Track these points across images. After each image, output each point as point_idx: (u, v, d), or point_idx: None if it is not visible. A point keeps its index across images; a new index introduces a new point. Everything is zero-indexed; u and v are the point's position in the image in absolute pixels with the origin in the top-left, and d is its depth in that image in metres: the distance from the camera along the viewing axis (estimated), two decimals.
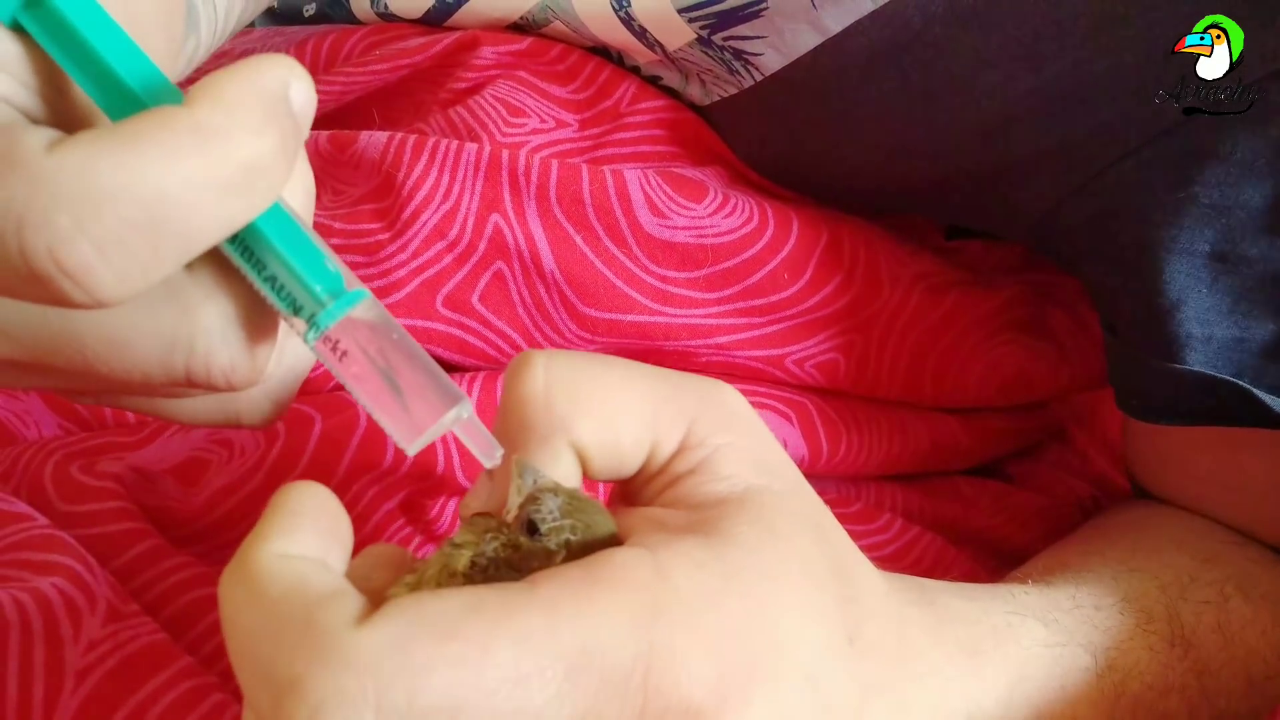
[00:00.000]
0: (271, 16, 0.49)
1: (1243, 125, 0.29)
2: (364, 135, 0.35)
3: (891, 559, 0.37)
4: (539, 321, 0.35)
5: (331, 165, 0.37)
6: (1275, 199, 0.29)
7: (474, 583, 0.20)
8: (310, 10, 0.46)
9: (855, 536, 0.37)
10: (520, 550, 0.20)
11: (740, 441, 0.22)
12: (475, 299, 0.34)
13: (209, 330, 0.18)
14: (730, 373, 0.37)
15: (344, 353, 0.19)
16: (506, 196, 0.34)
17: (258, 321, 0.19)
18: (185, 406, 0.21)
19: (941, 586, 0.28)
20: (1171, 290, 0.31)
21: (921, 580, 0.27)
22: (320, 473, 0.32)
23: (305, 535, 0.19)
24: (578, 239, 0.34)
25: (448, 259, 0.34)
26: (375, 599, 0.19)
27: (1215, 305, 0.31)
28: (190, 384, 0.18)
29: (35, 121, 0.18)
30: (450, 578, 0.20)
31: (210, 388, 0.19)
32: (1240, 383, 0.30)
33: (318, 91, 0.42)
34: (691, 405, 0.22)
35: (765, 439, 0.23)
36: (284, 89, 0.17)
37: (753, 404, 0.36)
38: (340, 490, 0.32)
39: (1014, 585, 0.30)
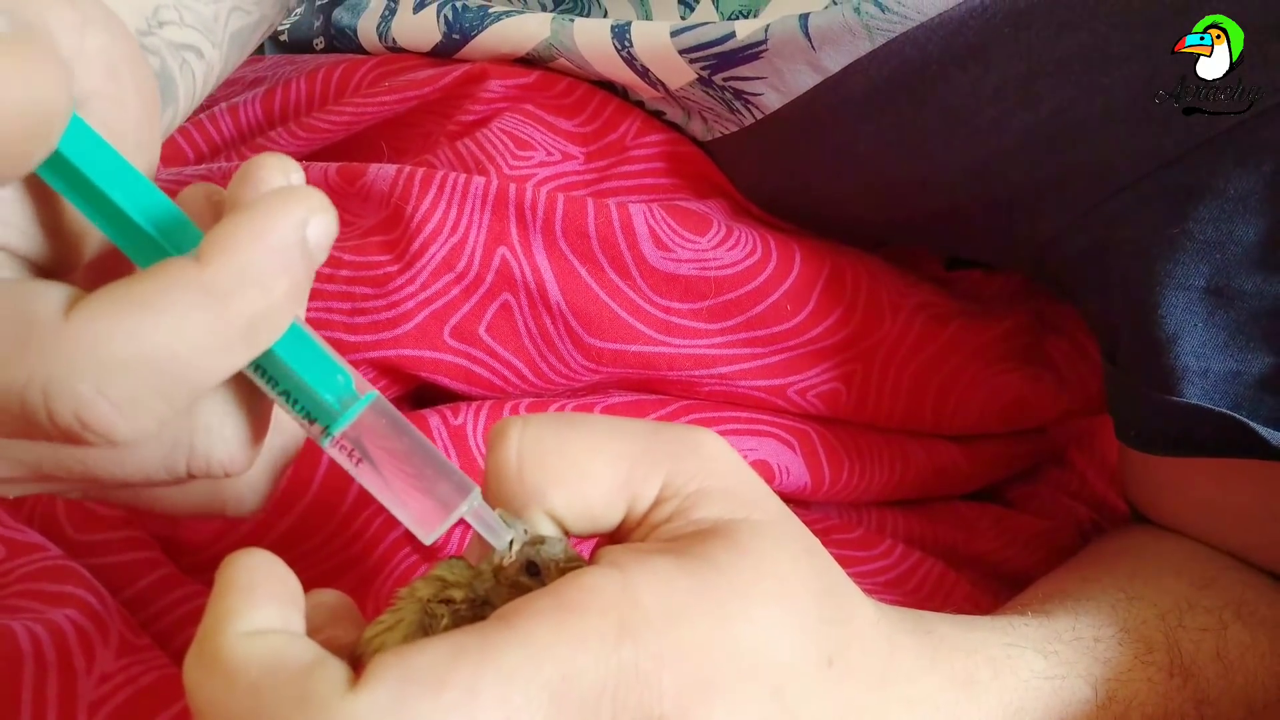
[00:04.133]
0: (281, 47, 0.50)
1: (1237, 161, 0.29)
2: (373, 168, 0.36)
3: (893, 585, 0.38)
4: (544, 352, 0.35)
5: (341, 197, 0.37)
6: (1269, 234, 0.29)
7: (462, 618, 0.21)
8: (320, 44, 0.47)
9: (857, 563, 0.38)
10: (519, 589, 0.21)
11: (717, 485, 0.23)
12: (482, 330, 0.35)
13: (207, 428, 0.19)
14: (733, 402, 0.38)
15: (359, 459, 0.20)
16: (513, 230, 0.34)
17: (251, 412, 0.20)
18: (173, 499, 0.21)
19: (939, 617, 0.28)
20: (1168, 324, 0.31)
21: (919, 611, 0.28)
22: (328, 501, 0.32)
23: (265, 607, 0.19)
24: (583, 271, 0.35)
25: (455, 291, 0.34)
26: (344, 655, 0.19)
27: (1211, 339, 0.31)
28: (191, 478, 0.19)
29: (37, 261, 0.19)
30: (442, 606, 0.21)
31: (210, 479, 0.19)
32: (1237, 415, 0.30)
33: (326, 121, 0.42)
34: (665, 460, 0.23)
35: (744, 478, 0.24)
36: (299, 232, 0.17)
37: (755, 432, 0.37)
38: (348, 518, 0.33)
39: (1013, 616, 0.30)
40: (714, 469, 0.23)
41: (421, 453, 0.20)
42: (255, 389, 0.20)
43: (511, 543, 0.21)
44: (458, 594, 0.21)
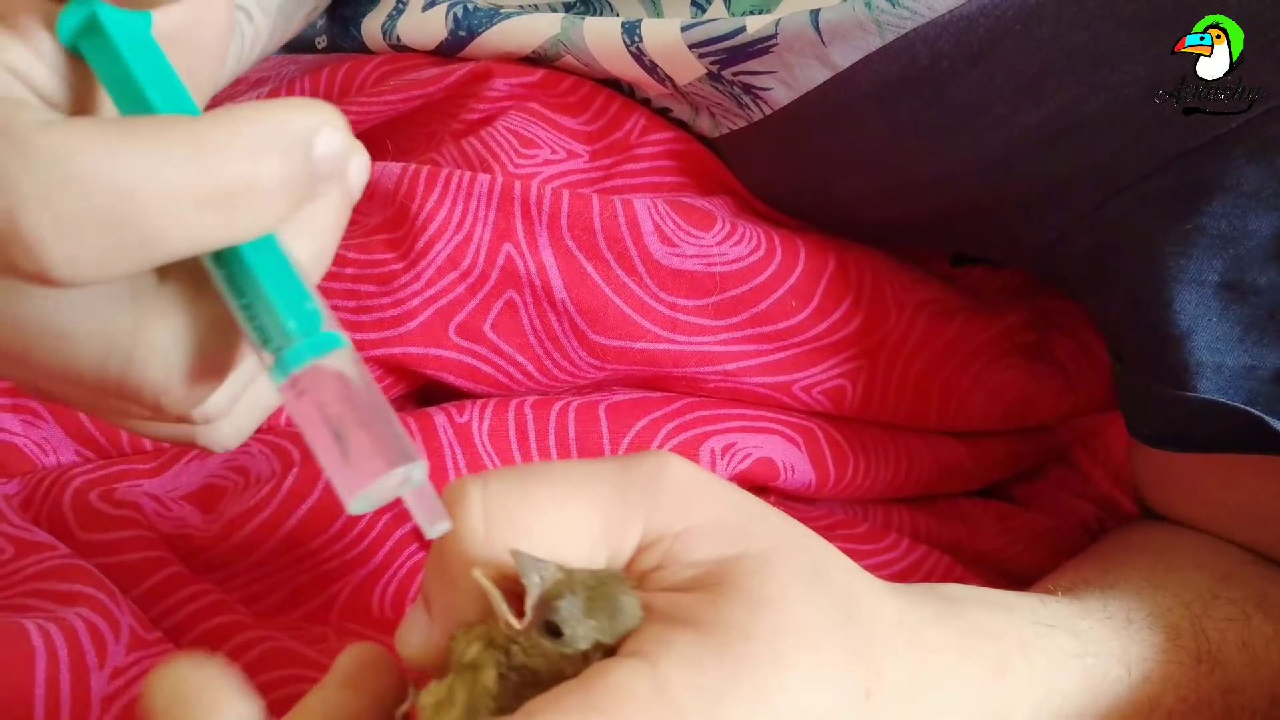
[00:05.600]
0: (284, 47, 0.50)
1: (1247, 158, 0.29)
2: (379, 166, 0.36)
3: (900, 577, 0.37)
4: (549, 349, 0.35)
5: None
6: None
7: (504, 704, 0.20)
8: (322, 43, 0.47)
9: (863, 555, 0.37)
10: (547, 656, 0.20)
11: (700, 518, 0.22)
12: (487, 327, 0.35)
13: (152, 345, 0.17)
14: (738, 399, 0.38)
15: (303, 394, 0.18)
16: (518, 226, 0.34)
17: (208, 355, 0.18)
18: (140, 418, 0.20)
19: (967, 598, 0.27)
20: (1182, 320, 0.31)
21: (945, 590, 0.27)
22: (333, 500, 0.32)
23: None
24: (588, 268, 0.35)
25: (460, 288, 0.34)
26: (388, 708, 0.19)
27: (1226, 334, 0.31)
28: (120, 395, 0.18)
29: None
30: (483, 697, 0.20)
31: (138, 403, 0.18)
32: (1253, 410, 0.30)
33: None
34: (639, 500, 0.21)
35: (729, 503, 0.23)
36: (308, 133, 0.17)
37: (760, 429, 0.37)
38: (354, 517, 0.33)
39: (1044, 595, 0.29)
40: (693, 503, 0.22)
41: (375, 413, 0.18)
42: (220, 325, 0.18)
43: (533, 606, 0.20)
44: (491, 669, 0.20)
